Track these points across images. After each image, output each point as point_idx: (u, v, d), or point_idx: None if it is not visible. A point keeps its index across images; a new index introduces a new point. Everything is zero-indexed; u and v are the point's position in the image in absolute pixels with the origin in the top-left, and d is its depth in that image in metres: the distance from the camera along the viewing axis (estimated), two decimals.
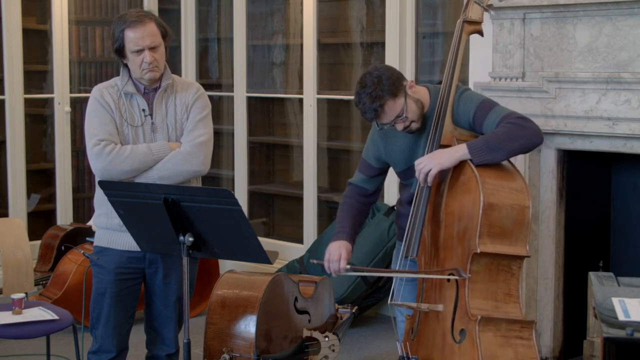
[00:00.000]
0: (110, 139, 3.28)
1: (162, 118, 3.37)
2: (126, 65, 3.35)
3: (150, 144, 3.32)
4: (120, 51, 3.30)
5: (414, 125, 3.13)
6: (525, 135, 2.98)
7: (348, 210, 3.34)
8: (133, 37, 3.25)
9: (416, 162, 3.05)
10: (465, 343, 2.88)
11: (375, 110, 3.04)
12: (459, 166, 3.00)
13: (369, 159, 3.33)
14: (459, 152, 2.98)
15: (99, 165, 3.27)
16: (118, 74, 3.43)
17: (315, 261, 3.25)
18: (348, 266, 3.17)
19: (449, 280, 2.96)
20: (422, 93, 3.17)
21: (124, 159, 3.26)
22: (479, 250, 2.87)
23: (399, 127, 3.10)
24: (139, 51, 3.26)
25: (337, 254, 3.18)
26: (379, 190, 3.40)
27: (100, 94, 3.34)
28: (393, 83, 3.04)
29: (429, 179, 3.01)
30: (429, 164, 3.00)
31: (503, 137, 2.95)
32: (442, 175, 3.06)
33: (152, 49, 3.27)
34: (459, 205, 2.98)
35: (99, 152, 3.27)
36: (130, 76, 3.36)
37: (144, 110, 3.35)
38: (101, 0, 6.39)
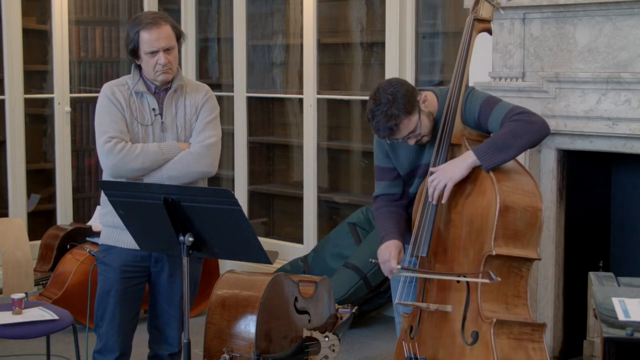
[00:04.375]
0: (121, 137, 3.30)
1: (172, 118, 3.38)
2: (138, 65, 3.35)
3: (160, 144, 3.34)
4: (135, 52, 3.31)
5: (425, 139, 3.10)
6: (531, 130, 2.95)
7: (386, 215, 3.23)
8: (148, 39, 3.26)
9: (429, 180, 3.02)
10: (478, 345, 2.86)
11: (391, 129, 2.99)
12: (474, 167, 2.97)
13: (382, 163, 3.28)
14: (467, 160, 2.94)
15: (110, 162, 3.28)
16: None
17: (373, 260, 3.16)
18: (399, 266, 3.08)
19: (458, 281, 2.94)
20: (431, 102, 3.12)
21: (135, 157, 3.27)
22: (494, 253, 2.85)
23: (411, 142, 3.07)
24: (154, 53, 3.27)
25: (387, 253, 3.10)
26: (405, 192, 3.30)
27: (111, 92, 3.35)
28: (408, 101, 2.99)
29: (445, 195, 2.96)
30: (442, 179, 2.95)
31: (508, 136, 2.93)
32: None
33: (167, 50, 3.28)
34: (471, 205, 2.96)
35: (110, 150, 3.27)
36: (141, 75, 3.37)
37: (154, 109, 3.37)
38: (101, 0, 6.40)
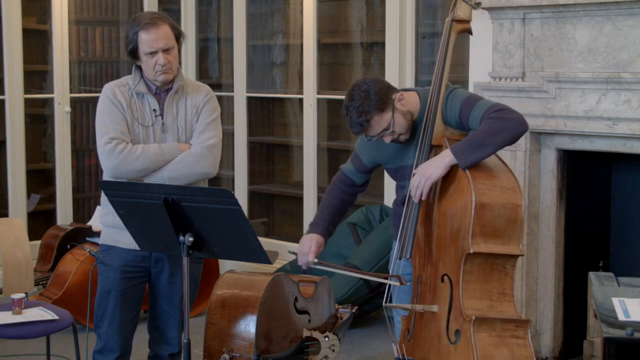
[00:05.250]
0: (121, 138, 3.30)
1: (172, 119, 3.38)
2: (138, 66, 3.35)
3: (161, 144, 3.33)
4: (134, 53, 3.31)
5: (402, 138, 3.13)
6: (509, 127, 2.96)
7: (331, 201, 3.37)
8: (147, 40, 3.26)
9: (411, 182, 3.05)
10: (461, 344, 2.88)
11: (361, 125, 3.05)
12: (453, 166, 2.99)
13: (361, 155, 3.33)
14: (445, 159, 2.97)
15: (110, 163, 3.28)
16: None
17: (291, 251, 3.34)
18: (315, 260, 3.23)
19: (442, 280, 2.96)
20: (411, 102, 3.15)
21: (135, 158, 3.27)
22: (472, 251, 2.87)
23: (387, 139, 3.11)
24: (153, 53, 3.27)
25: (307, 247, 3.24)
26: (367, 183, 3.41)
27: (112, 92, 3.35)
28: (381, 98, 3.04)
29: (424, 193, 3.00)
30: (422, 178, 2.99)
31: (485, 134, 2.94)
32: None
33: (166, 51, 3.28)
34: (451, 205, 2.98)
35: (110, 151, 3.27)
36: (142, 76, 3.37)
37: (154, 110, 3.36)
38: (101, 0, 6.40)
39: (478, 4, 3.28)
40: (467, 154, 2.93)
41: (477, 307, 2.91)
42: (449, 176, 2.99)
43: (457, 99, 3.11)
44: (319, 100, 5.72)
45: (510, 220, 2.93)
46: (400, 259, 3.11)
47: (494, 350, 2.87)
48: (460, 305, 2.89)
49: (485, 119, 2.99)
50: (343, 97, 5.63)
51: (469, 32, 3.27)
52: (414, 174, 3.05)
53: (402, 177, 3.22)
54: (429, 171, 2.99)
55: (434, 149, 3.08)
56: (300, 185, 5.91)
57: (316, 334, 3.58)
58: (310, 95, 5.71)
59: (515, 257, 2.97)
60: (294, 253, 3.31)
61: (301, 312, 3.60)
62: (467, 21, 3.23)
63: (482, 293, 2.93)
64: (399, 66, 5.14)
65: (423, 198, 3.01)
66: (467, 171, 2.92)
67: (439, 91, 3.11)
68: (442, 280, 2.97)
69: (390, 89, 3.10)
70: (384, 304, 3.16)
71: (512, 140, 3.01)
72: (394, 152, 3.22)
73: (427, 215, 3.08)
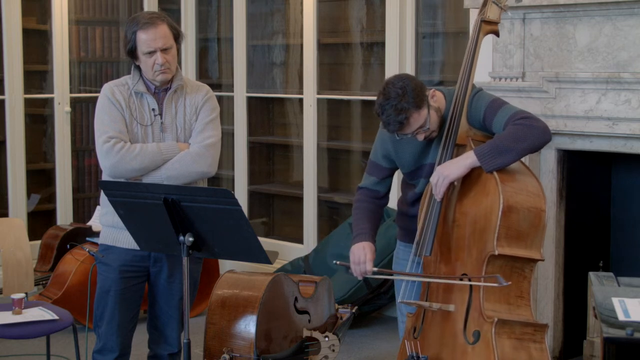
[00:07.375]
0: (120, 137, 3.30)
1: (171, 118, 3.38)
2: (137, 65, 3.35)
3: (159, 144, 3.34)
4: (133, 53, 3.31)
5: (434, 134, 3.12)
6: (533, 135, 2.96)
7: (363, 212, 3.28)
8: (145, 39, 3.26)
9: (431, 179, 3.04)
10: (480, 344, 2.86)
11: (401, 123, 3.00)
12: (475, 167, 2.98)
13: (378, 160, 3.29)
14: (467, 160, 2.96)
15: (109, 162, 3.28)
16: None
17: (339, 262, 3.19)
18: (375, 269, 3.12)
19: (461, 280, 2.94)
20: (440, 100, 3.14)
21: (133, 157, 3.28)
22: (496, 253, 2.85)
23: (420, 137, 3.07)
24: (151, 53, 3.27)
25: (362, 255, 3.13)
26: (389, 192, 3.35)
27: (111, 92, 3.35)
28: (417, 95, 3.00)
29: (440, 192, 2.98)
30: (440, 177, 2.98)
31: (510, 139, 2.94)
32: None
33: (164, 50, 3.28)
34: (475, 206, 2.96)
35: (108, 150, 3.28)
36: (141, 75, 3.37)
37: (153, 109, 3.37)
38: (101, 0, 6.40)
39: (506, 6, 3.26)
40: (491, 158, 2.92)
41: (496, 309, 2.90)
42: (472, 177, 2.98)
43: (483, 101, 3.11)
44: (319, 100, 5.72)
45: (534, 224, 2.93)
46: (417, 256, 3.08)
47: (513, 352, 2.86)
48: (481, 306, 2.88)
49: (510, 125, 2.99)
50: (343, 97, 5.65)
51: (496, 34, 3.26)
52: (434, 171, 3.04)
53: (418, 176, 3.21)
54: (447, 170, 2.98)
55: (457, 148, 3.07)
56: (300, 185, 5.91)
57: (316, 334, 3.58)
58: (310, 95, 5.71)
59: (535, 261, 2.96)
60: (343, 264, 3.16)
61: (301, 312, 3.60)
62: (496, 23, 3.21)
63: (501, 295, 2.92)
64: (399, 66, 5.14)
65: (439, 197, 3.00)
66: (495, 173, 2.92)
67: (465, 91, 3.09)
68: (469, 279, 2.95)
69: (423, 85, 3.07)
70: (398, 300, 3.15)
71: (536, 148, 3.02)
72: (412, 155, 3.20)
73: (444, 214, 3.06)
